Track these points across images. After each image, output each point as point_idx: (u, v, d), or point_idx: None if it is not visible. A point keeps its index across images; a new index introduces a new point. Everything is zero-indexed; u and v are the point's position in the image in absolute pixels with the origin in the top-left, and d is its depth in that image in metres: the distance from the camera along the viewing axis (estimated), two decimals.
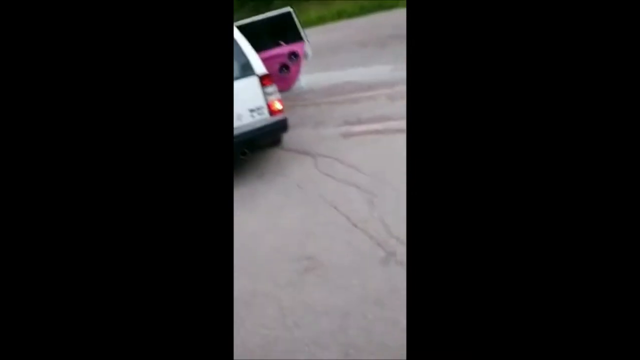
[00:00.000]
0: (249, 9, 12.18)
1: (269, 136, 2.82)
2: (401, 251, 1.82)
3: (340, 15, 12.05)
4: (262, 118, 2.66)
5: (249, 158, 3.03)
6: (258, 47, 4.11)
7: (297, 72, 4.26)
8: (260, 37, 4.15)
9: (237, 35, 2.55)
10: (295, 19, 4.14)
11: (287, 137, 3.66)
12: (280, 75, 4.24)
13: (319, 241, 2.04)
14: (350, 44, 7.05)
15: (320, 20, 12.54)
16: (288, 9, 4.10)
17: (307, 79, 5.36)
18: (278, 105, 2.71)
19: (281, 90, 4.34)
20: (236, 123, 2.59)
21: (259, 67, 2.59)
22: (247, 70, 2.55)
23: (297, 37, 4.21)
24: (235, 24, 4.14)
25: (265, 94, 2.63)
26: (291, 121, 4.07)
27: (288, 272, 1.89)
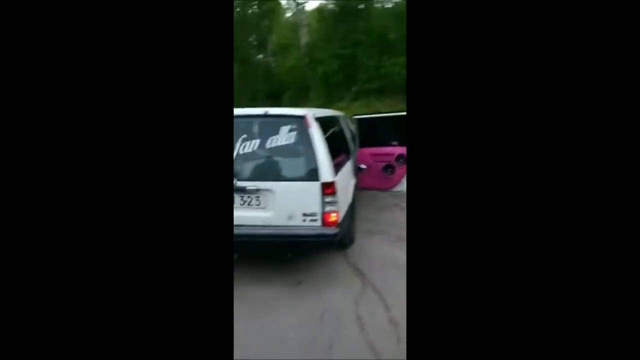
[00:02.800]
0: (360, 104, 12.75)
1: (315, 246, 2.57)
2: None
3: None
4: (313, 225, 2.46)
5: (292, 260, 2.83)
6: (373, 142, 4.06)
7: (402, 175, 3.96)
8: (377, 133, 4.10)
9: (316, 138, 2.49)
10: None
11: (365, 243, 3.32)
12: (384, 175, 4.03)
13: None
14: None
15: None
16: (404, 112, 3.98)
17: None
18: (334, 217, 2.46)
19: (381, 189, 4.09)
20: (287, 221, 2.47)
21: (326, 174, 2.45)
22: (313, 174, 2.44)
23: None
24: (358, 116, 4.23)
25: (324, 203, 2.44)
26: (383, 226, 3.74)
27: None
